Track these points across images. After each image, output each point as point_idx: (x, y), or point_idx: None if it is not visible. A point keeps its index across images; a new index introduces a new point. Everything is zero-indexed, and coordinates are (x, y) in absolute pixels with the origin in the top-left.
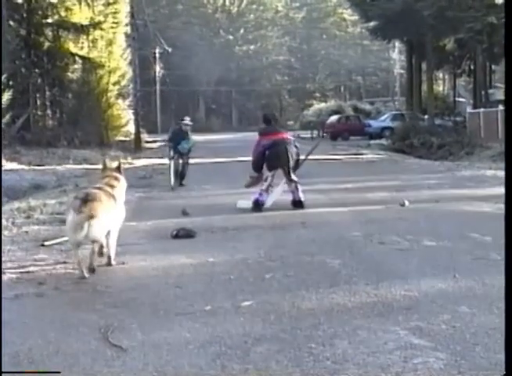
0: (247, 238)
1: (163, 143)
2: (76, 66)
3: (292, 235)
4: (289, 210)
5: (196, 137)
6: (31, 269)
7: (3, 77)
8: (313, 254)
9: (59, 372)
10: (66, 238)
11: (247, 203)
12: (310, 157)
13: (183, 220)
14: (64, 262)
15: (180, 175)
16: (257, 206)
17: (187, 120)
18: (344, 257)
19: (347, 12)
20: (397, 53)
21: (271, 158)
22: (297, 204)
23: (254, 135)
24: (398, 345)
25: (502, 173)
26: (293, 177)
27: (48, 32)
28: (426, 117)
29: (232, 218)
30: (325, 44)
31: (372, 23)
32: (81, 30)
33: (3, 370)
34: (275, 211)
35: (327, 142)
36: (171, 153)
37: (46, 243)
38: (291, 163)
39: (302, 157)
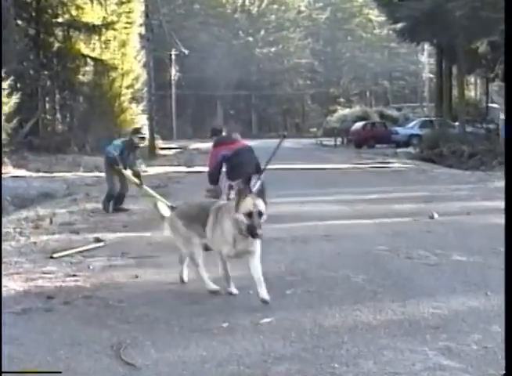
0: (267, 251)
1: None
2: (87, 68)
3: (314, 248)
4: (310, 222)
5: (209, 144)
6: (40, 282)
7: (10, 80)
8: (336, 268)
9: (60, 372)
10: (76, 250)
11: None
12: (334, 166)
13: None
14: (74, 275)
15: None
16: None
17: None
18: (369, 272)
19: (374, 13)
20: (426, 56)
21: (235, 168)
22: None
23: (275, 143)
24: (426, 366)
25: None
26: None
27: (58, 32)
28: (456, 124)
29: None
30: (350, 46)
31: (399, 25)
32: (92, 30)
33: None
34: (297, 223)
35: (352, 150)
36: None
37: (55, 255)
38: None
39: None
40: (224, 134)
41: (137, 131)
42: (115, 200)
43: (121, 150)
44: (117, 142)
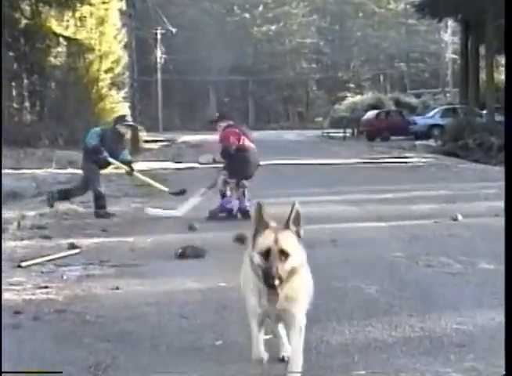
0: None
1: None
2: (60, 49)
3: (320, 255)
4: (316, 224)
5: (201, 137)
6: (6, 294)
7: None
8: (346, 278)
9: (61, 372)
10: (48, 258)
11: (162, 211)
12: (343, 161)
13: (190, 236)
14: (45, 287)
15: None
16: (231, 214)
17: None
18: (384, 282)
19: None
20: (449, 34)
21: (237, 164)
22: (245, 214)
23: (274, 134)
24: None
25: None
26: (245, 182)
27: (26, 7)
28: (484, 112)
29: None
30: (361, 23)
31: None
32: (65, 4)
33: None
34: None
35: (363, 143)
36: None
37: (24, 263)
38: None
39: None
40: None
41: (121, 118)
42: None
43: (101, 136)
44: (96, 129)
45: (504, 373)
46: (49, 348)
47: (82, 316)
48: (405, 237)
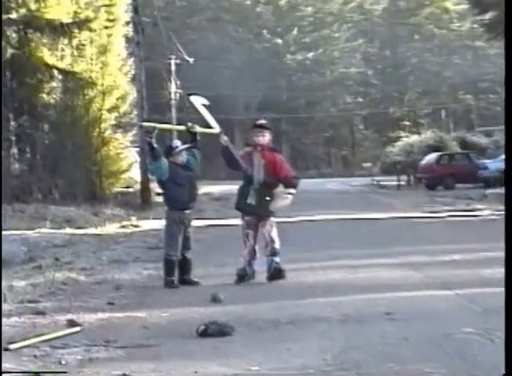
0: (308, 336)
1: None
2: (54, 84)
3: (373, 331)
4: (366, 294)
5: (224, 187)
6: None
7: None
8: (405, 360)
9: (66, 372)
10: (42, 338)
11: None
12: (398, 215)
13: (214, 309)
14: (38, 374)
15: (181, 261)
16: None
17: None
18: (453, 365)
19: (452, 0)
20: None
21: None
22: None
23: (314, 183)
24: None
25: None
26: None
27: (13, 33)
28: None
29: (285, 306)
30: (417, 48)
31: (488, 15)
32: (60, 30)
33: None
34: (348, 296)
35: (422, 193)
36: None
37: (13, 346)
38: None
39: None
40: None
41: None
42: (180, 269)
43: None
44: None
45: (504, 372)
46: None
47: None
48: (476, 309)
